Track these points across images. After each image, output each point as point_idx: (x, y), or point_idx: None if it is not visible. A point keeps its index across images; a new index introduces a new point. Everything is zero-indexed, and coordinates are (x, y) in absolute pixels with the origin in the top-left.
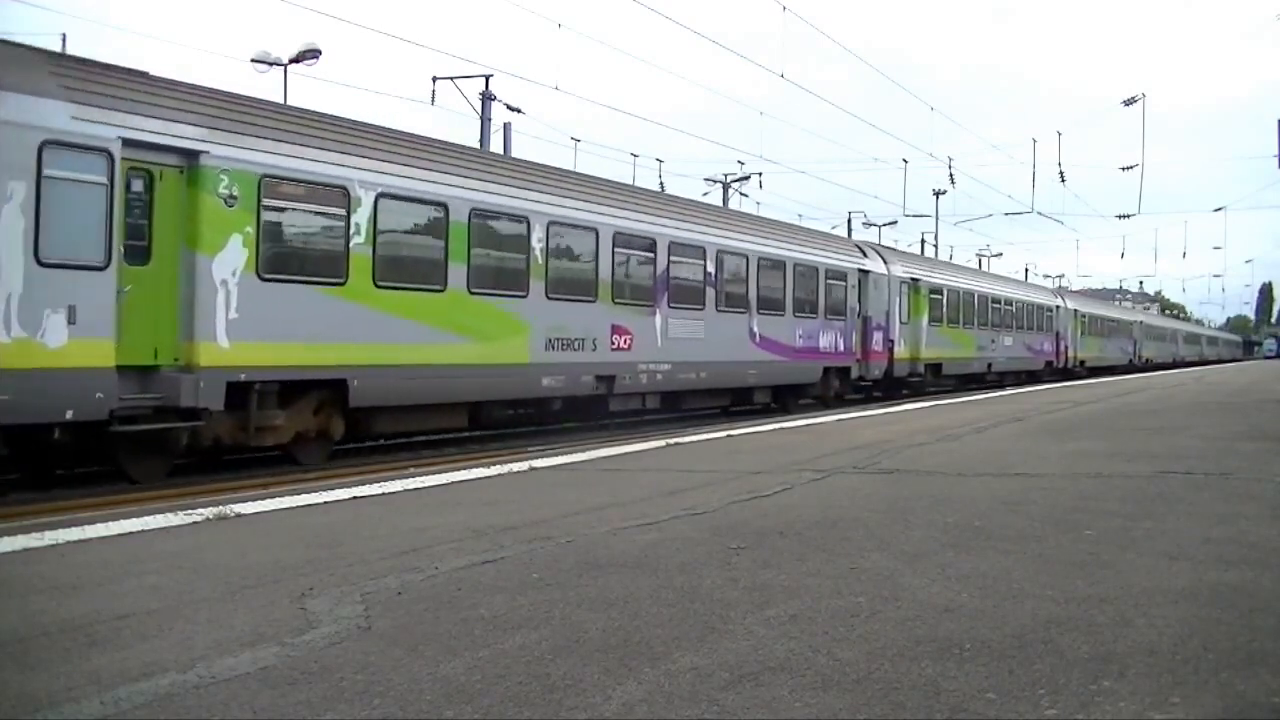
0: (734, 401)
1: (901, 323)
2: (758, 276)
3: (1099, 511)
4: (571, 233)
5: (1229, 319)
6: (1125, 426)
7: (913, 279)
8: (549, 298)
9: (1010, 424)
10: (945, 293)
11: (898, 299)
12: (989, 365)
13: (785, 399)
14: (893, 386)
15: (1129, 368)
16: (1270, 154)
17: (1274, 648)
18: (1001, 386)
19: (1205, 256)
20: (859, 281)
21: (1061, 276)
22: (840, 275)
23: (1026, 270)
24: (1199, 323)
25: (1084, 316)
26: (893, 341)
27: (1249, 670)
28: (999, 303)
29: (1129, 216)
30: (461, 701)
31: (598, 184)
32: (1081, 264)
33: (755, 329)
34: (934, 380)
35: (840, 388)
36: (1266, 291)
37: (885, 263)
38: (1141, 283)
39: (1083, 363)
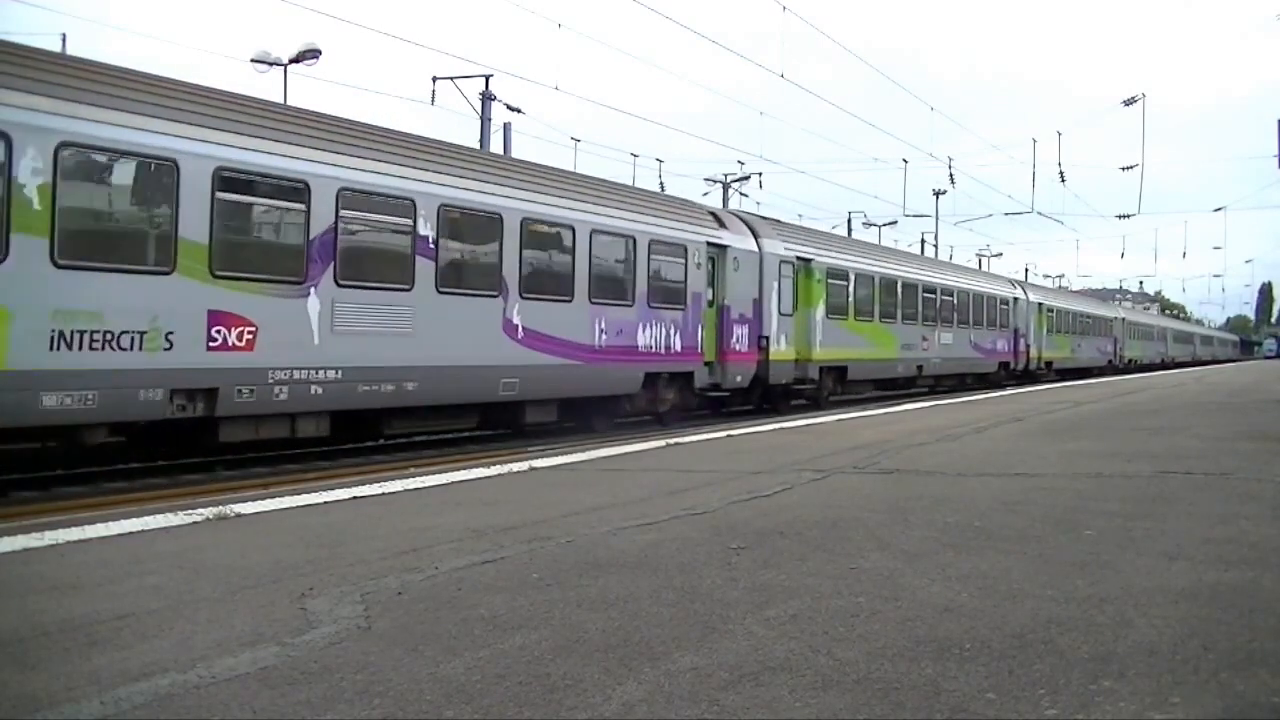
0: (488, 421)
1: (782, 314)
2: (521, 245)
3: (1099, 511)
4: (117, 164)
5: (1229, 319)
6: (1125, 426)
7: (801, 259)
8: (58, 264)
9: (1010, 424)
10: (852, 277)
11: (776, 283)
12: (919, 368)
13: (590, 416)
14: (773, 396)
15: (1109, 370)
16: (1270, 154)
17: (1274, 648)
18: (945, 392)
19: (1205, 256)
20: (712, 259)
21: (1061, 276)
22: (676, 249)
23: (1026, 270)
24: (1199, 322)
25: (1050, 311)
26: (766, 338)
27: (1249, 670)
28: (933, 292)
29: (1129, 216)
30: (461, 701)
31: (186, 92)
32: (1081, 264)
33: (516, 319)
34: (837, 388)
35: (680, 399)
36: (1266, 291)
37: (755, 236)
38: (1141, 283)
39: (1049, 364)
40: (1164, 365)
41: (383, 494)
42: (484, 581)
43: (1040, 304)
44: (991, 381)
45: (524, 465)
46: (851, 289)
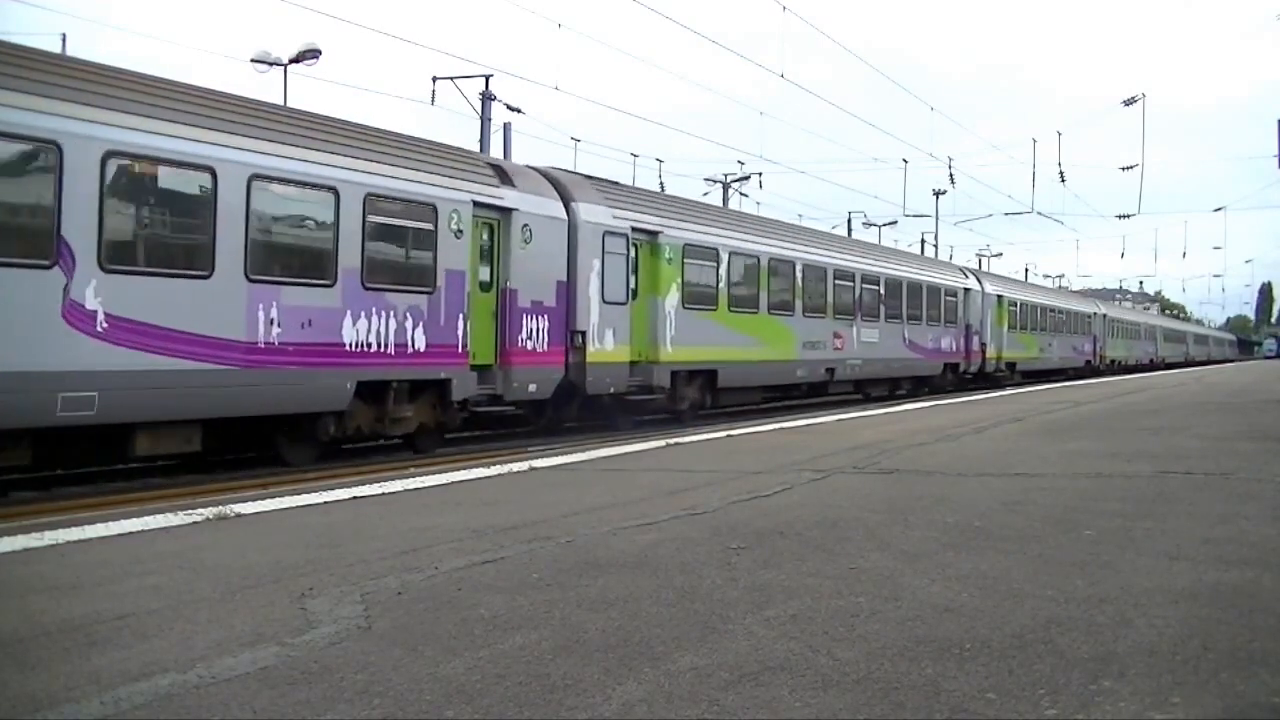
0: (49, 455)
1: (609, 302)
2: (104, 191)
3: (1099, 511)
4: None
5: (1229, 319)
6: (1125, 427)
7: (641, 231)
8: None
9: (1010, 424)
10: (725, 258)
11: (598, 262)
12: (828, 371)
13: (275, 444)
14: (603, 410)
15: (1087, 372)
16: (1270, 154)
17: (1274, 648)
18: (880, 400)
19: (1205, 256)
20: (491, 226)
21: (1061, 276)
22: (417, 209)
23: (1027, 270)
24: (1199, 322)
25: (1013, 305)
26: (582, 334)
27: (1249, 670)
28: (849, 279)
29: (1129, 216)
30: (461, 701)
31: None
32: (1081, 264)
33: (91, 301)
34: (703, 397)
35: (432, 416)
36: (1266, 291)
37: (565, 199)
38: (1141, 283)
39: (1011, 365)
40: (1153, 366)
41: (383, 494)
42: (484, 581)
43: (1000, 296)
44: (935, 387)
45: (524, 465)
46: (724, 272)
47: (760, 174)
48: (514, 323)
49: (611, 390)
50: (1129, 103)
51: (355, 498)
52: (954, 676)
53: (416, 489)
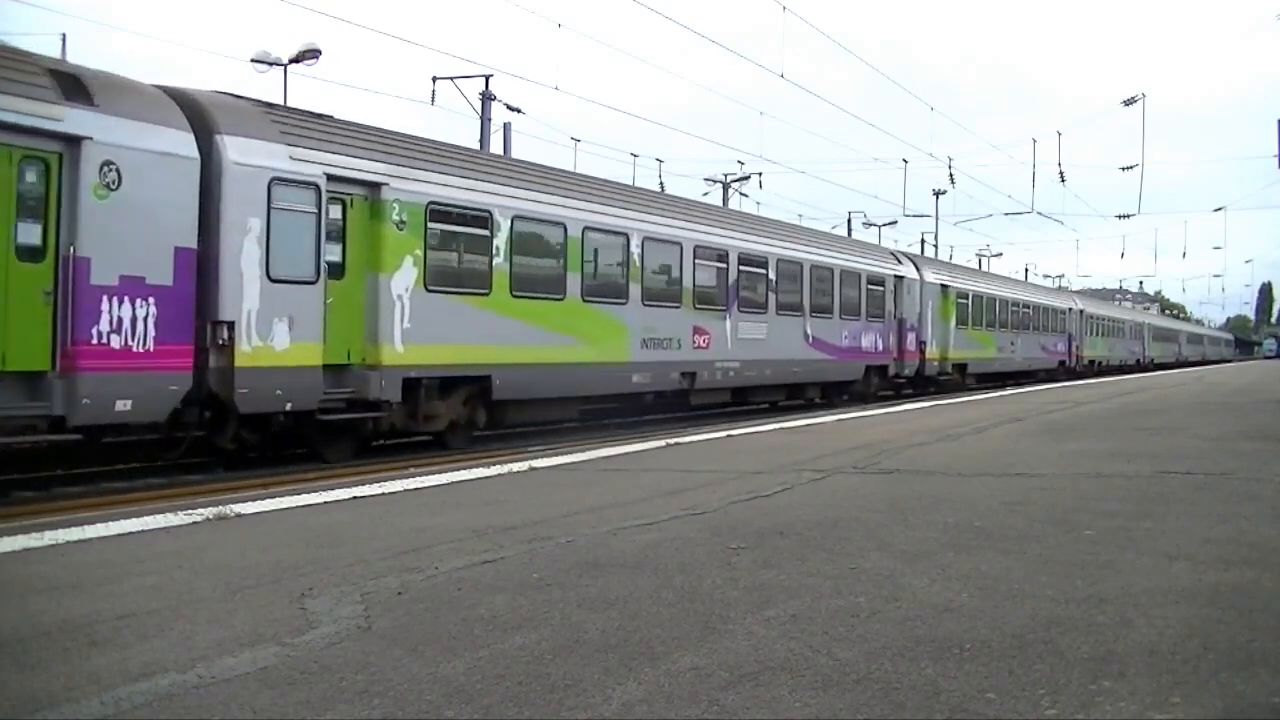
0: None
1: (279, 281)
2: None
3: (1099, 511)
4: None
5: (1229, 319)
6: (1125, 426)
7: (349, 181)
8: None
9: (1010, 424)
10: (503, 224)
11: (258, 223)
12: (687, 376)
13: None
14: (288, 439)
15: (1060, 373)
16: (1270, 154)
17: (1274, 648)
18: (770, 413)
19: (1205, 256)
20: (43, 166)
21: (1061, 276)
22: None
23: (1027, 271)
24: (1199, 322)
25: (962, 296)
26: (229, 325)
27: (1249, 670)
28: (720, 260)
29: (1129, 216)
30: (461, 701)
31: None
32: (1081, 264)
33: None
34: (467, 413)
35: None
36: (1266, 291)
37: (201, 130)
38: (1141, 283)
39: (960, 368)
40: (1140, 368)
41: (383, 494)
42: (484, 581)
43: (944, 286)
44: (857, 393)
45: (524, 465)
46: (502, 244)
47: (760, 174)
48: (86, 309)
49: (289, 406)
50: (1129, 103)
51: (355, 498)
52: (954, 676)
53: (416, 489)
